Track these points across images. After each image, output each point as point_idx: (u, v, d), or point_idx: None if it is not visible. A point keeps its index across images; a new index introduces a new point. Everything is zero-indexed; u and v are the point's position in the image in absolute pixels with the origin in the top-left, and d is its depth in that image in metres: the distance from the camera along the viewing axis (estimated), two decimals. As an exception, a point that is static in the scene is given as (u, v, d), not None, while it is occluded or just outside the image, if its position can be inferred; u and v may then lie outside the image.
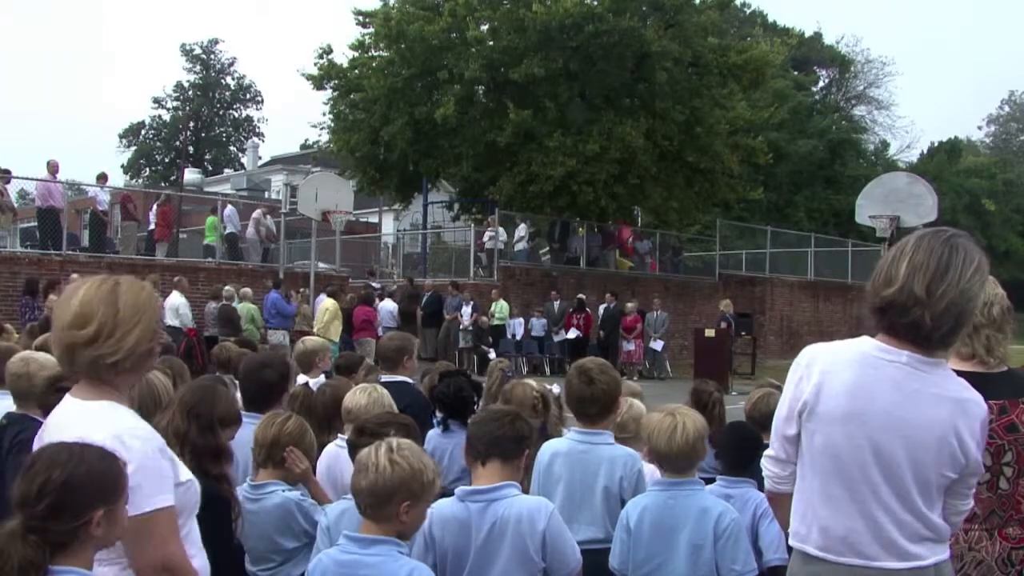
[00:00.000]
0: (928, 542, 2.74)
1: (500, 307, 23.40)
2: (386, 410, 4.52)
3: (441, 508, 3.53)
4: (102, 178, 22.50)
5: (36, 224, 21.12)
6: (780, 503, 3.04)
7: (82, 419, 2.61)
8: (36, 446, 2.59)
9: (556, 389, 5.22)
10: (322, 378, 5.59)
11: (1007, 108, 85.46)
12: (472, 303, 22.95)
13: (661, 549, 3.71)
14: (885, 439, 2.69)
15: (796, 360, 2.90)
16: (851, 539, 2.72)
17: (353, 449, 3.73)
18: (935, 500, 2.76)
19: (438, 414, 5.40)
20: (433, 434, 5.20)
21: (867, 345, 2.80)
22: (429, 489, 3.07)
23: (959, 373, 3.09)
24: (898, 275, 2.70)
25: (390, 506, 3.00)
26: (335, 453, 4.63)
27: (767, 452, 3.02)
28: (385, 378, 6.19)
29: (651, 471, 4.55)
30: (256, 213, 23.84)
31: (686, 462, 3.79)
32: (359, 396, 4.66)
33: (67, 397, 2.74)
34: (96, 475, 2.36)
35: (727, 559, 3.65)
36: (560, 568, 3.45)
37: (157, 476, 2.63)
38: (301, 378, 5.53)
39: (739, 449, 4.24)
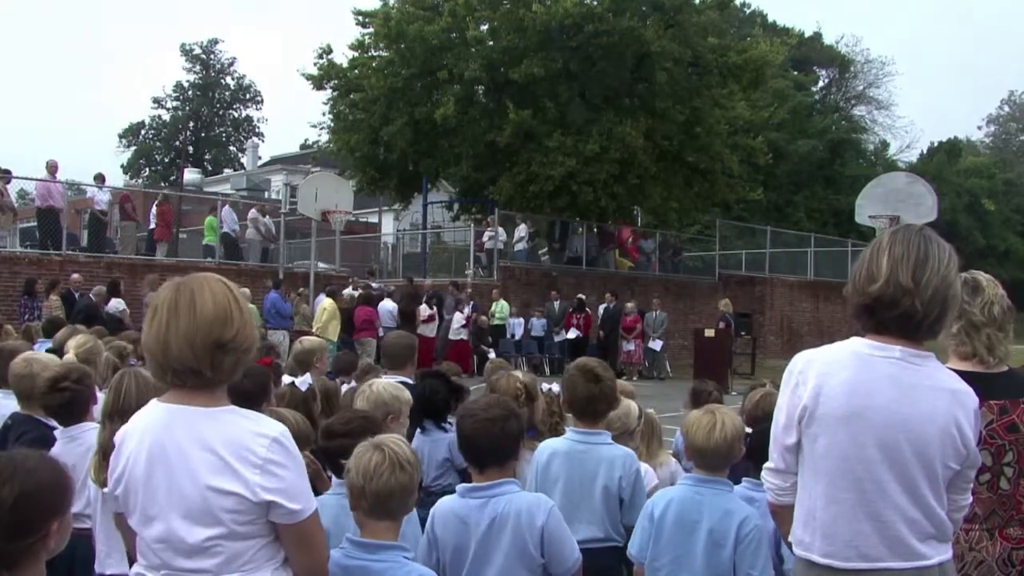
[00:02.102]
0: (933, 540, 2.74)
1: (500, 307, 23.40)
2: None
3: (443, 505, 3.58)
4: (99, 178, 22.47)
5: (36, 224, 21.12)
6: (783, 516, 3.02)
7: (239, 420, 2.57)
8: (152, 459, 2.54)
9: (555, 389, 5.22)
10: (308, 377, 5.57)
11: (1007, 108, 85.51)
12: (472, 303, 22.94)
13: (681, 543, 3.72)
14: (889, 435, 2.70)
15: (788, 368, 2.89)
16: (857, 542, 2.71)
17: (325, 453, 3.78)
18: (942, 494, 2.77)
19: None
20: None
21: (858, 344, 2.81)
22: None
23: (960, 373, 3.11)
24: (880, 270, 2.74)
25: (413, 499, 3.07)
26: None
27: (767, 465, 3.00)
28: (387, 378, 6.20)
29: (646, 469, 4.57)
30: (252, 212, 23.81)
31: (721, 460, 3.80)
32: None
33: (177, 407, 2.58)
34: (48, 486, 2.20)
35: (746, 564, 3.64)
36: (559, 564, 3.46)
37: (307, 478, 2.68)
38: (286, 378, 5.49)
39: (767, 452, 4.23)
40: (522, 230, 26.53)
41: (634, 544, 3.86)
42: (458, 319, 21.99)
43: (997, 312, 3.50)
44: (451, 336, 21.75)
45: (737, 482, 4.21)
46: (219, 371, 2.54)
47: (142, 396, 3.79)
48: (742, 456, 4.03)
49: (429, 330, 21.58)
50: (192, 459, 2.49)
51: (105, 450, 3.81)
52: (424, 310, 21.73)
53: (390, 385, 4.87)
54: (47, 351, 6.56)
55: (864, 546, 2.71)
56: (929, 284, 2.71)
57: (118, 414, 3.80)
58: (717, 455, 3.79)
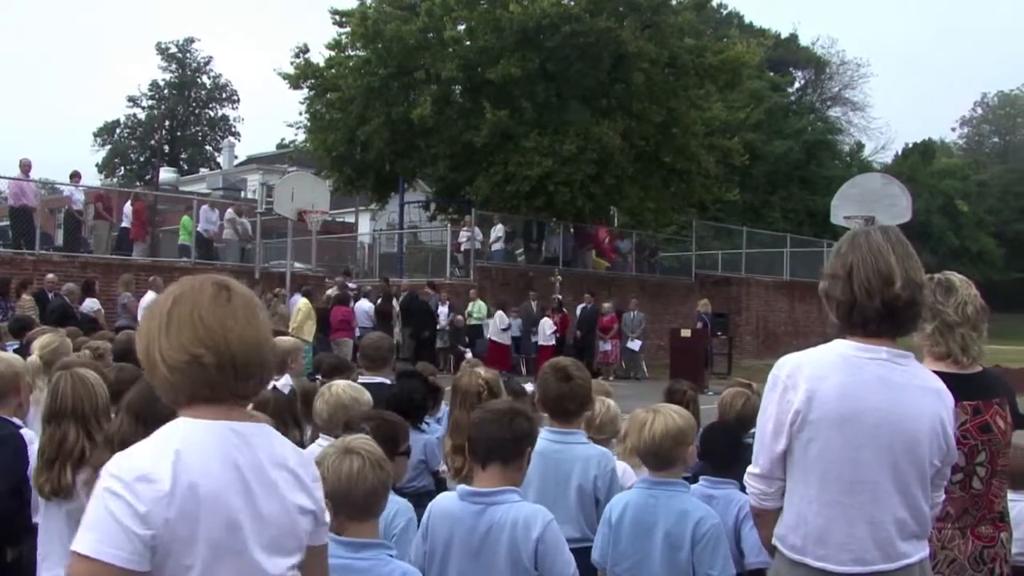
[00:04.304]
0: (914, 539, 2.77)
1: (478, 307, 23.36)
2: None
3: (441, 502, 3.59)
4: (75, 176, 22.31)
5: (8, 223, 20.94)
6: (767, 520, 2.97)
7: (281, 436, 2.27)
8: (229, 486, 2.06)
9: (530, 388, 5.22)
10: (287, 379, 5.53)
11: (979, 110, 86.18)
12: (448, 303, 22.92)
13: (639, 547, 3.72)
14: (882, 436, 2.71)
15: (773, 374, 2.86)
16: (852, 545, 2.71)
17: None
18: (929, 492, 2.80)
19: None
20: None
21: (844, 347, 2.81)
22: None
23: (934, 373, 3.13)
24: (893, 269, 2.76)
25: (379, 507, 3.06)
26: (311, 452, 4.61)
27: (751, 470, 2.95)
28: (364, 379, 6.18)
29: (624, 468, 4.57)
30: (229, 212, 23.70)
31: (656, 459, 3.79)
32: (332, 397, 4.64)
33: (236, 424, 2.13)
34: None
35: (704, 564, 3.64)
36: None
37: None
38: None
39: (721, 449, 4.23)
40: (499, 230, 26.54)
41: (596, 550, 3.86)
42: (548, 324, 23.05)
43: (971, 312, 3.52)
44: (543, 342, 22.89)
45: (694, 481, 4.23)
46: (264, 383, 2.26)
47: (79, 398, 3.73)
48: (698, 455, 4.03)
49: (504, 338, 22.55)
50: (274, 479, 2.13)
51: (44, 452, 3.76)
52: (503, 318, 22.55)
53: (349, 387, 4.86)
54: (15, 351, 6.49)
55: (858, 549, 2.71)
56: (925, 281, 2.81)
57: (55, 416, 3.75)
58: (648, 453, 3.78)
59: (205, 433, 2.08)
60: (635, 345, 24.38)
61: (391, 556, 3.06)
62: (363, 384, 5.46)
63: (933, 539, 3.29)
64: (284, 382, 5.41)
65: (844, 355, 2.79)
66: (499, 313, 22.82)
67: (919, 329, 2.91)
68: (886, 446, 2.71)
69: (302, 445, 4.98)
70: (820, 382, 2.74)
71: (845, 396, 2.72)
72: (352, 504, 3.00)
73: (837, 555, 2.72)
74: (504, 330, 22.74)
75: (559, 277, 25.62)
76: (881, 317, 2.78)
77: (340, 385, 4.83)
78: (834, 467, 2.72)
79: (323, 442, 4.53)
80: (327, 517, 2.26)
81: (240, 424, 2.12)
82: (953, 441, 2.83)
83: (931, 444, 2.75)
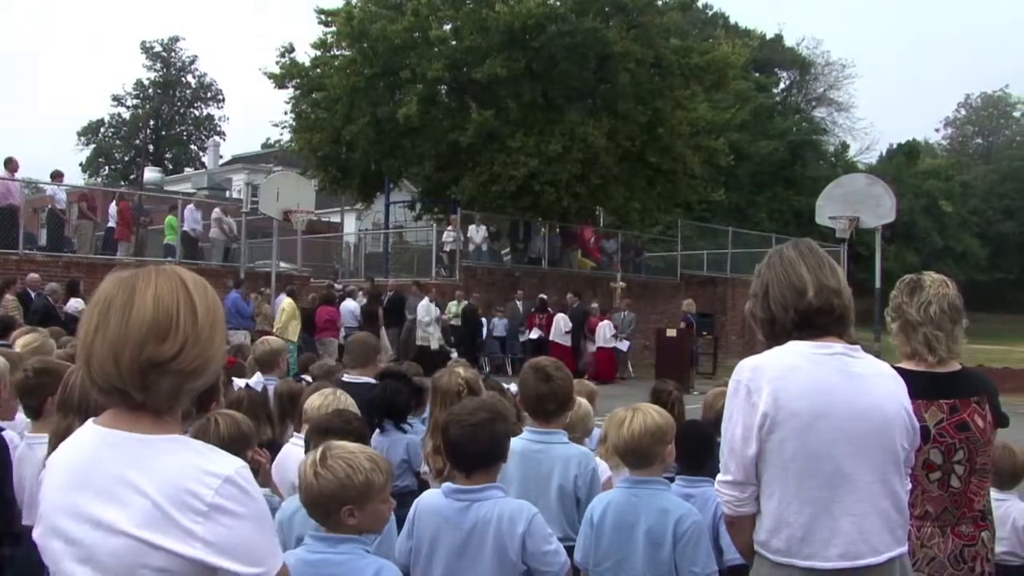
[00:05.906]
0: (898, 529, 2.79)
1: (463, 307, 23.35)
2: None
3: (426, 500, 3.61)
4: (57, 176, 22.17)
5: (-8, 223, 20.82)
6: (742, 527, 2.94)
7: (183, 452, 1.94)
8: (68, 502, 1.93)
9: (513, 388, 5.23)
10: (259, 376, 5.51)
11: (963, 111, 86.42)
12: (435, 303, 22.89)
13: (621, 546, 3.72)
14: (854, 427, 2.73)
15: (734, 379, 2.87)
16: (837, 540, 2.72)
17: (308, 448, 3.75)
18: (904, 478, 2.84)
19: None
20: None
21: (801, 346, 2.84)
22: (369, 489, 2.99)
23: (910, 372, 3.17)
24: (804, 280, 2.88)
25: (331, 515, 3.01)
26: (286, 451, 4.63)
27: (722, 478, 2.92)
28: (348, 377, 6.18)
29: (604, 469, 4.58)
30: (216, 212, 23.65)
31: (635, 457, 3.80)
32: (316, 399, 4.63)
33: (110, 432, 1.96)
34: None
35: (687, 561, 3.64)
36: (543, 572, 3.44)
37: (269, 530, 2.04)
38: (240, 381, 5.41)
39: (694, 448, 4.25)
40: (485, 230, 26.55)
41: (578, 550, 3.86)
42: (608, 327, 23.30)
43: (934, 312, 3.55)
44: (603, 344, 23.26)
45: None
46: (153, 395, 1.93)
47: (84, 394, 3.73)
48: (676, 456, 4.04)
49: (566, 340, 22.97)
50: (115, 501, 1.88)
51: (53, 441, 3.76)
52: (563, 322, 22.98)
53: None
54: (-1, 348, 6.46)
55: (844, 544, 2.72)
56: (843, 284, 2.89)
57: (62, 407, 3.76)
58: (628, 451, 3.79)
59: (72, 443, 2.03)
60: (623, 345, 24.40)
61: (367, 551, 3.07)
62: (347, 383, 5.47)
63: (912, 537, 3.32)
64: (256, 379, 5.40)
65: (803, 353, 2.82)
66: (561, 316, 23.13)
67: (889, 330, 3.00)
68: (859, 436, 2.73)
69: (274, 444, 4.99)
70: (783, 382, 2.76)
71: (811, 392, 2.74)
72: (311, 509, 3.02)
73: (823, 551, 2.72)
74: (567, 332, 22.98)
75: (622, 284, 25.66)
76: (798, 327, 2.85)
77: (321, 391, 4.75)
78: (811, 463, 2.73)
79: (298, 441, 4.53)
80: (234, 563, 1.88)
81: (108, 431, 1.97)
82: (916, 421, 2.88)
83: (900, 428, 2.80)
